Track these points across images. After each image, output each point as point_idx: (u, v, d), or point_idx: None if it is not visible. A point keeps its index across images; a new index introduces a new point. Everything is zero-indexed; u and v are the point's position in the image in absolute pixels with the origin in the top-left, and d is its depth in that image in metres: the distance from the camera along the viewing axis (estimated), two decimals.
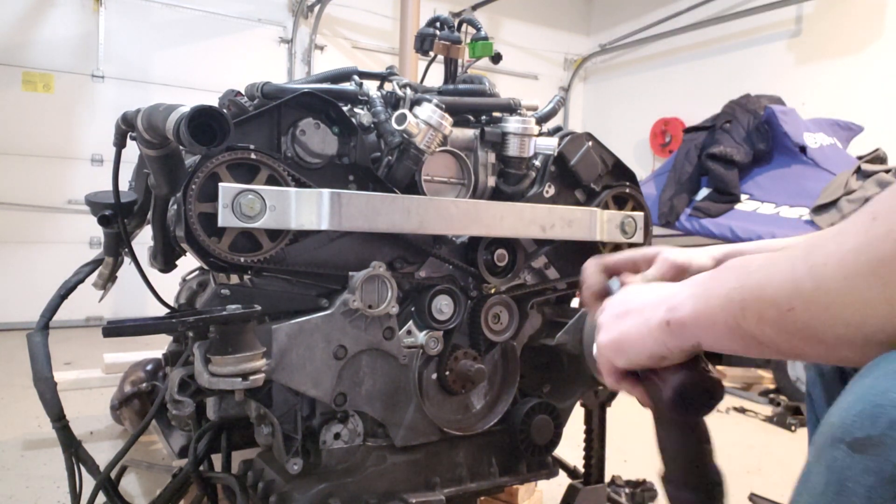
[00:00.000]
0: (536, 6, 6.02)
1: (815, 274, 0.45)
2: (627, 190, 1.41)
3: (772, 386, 3.07)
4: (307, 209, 1.06)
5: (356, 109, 1.22)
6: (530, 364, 1.34)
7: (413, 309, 1.21)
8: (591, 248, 1.36)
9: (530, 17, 5.99)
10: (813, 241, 0.47)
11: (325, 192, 1.07)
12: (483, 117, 1.32)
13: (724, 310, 0.52)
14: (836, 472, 0.38)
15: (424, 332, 1.20)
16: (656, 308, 0.58)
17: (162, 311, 1.23)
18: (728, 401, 2.90)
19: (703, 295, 0.54)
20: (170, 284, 1.61)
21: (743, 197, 3.34)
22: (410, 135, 1.14)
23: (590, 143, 1.35)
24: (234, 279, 1.16)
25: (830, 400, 0.81)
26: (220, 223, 1.01)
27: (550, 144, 1.30)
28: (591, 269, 0.82)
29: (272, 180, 1.06)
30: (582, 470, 1.49)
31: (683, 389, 0.58)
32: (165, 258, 1.32)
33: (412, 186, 1.19)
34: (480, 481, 1.30)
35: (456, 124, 1.22)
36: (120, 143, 1.23)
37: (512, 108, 1.30)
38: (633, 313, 0.61)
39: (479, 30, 1.48)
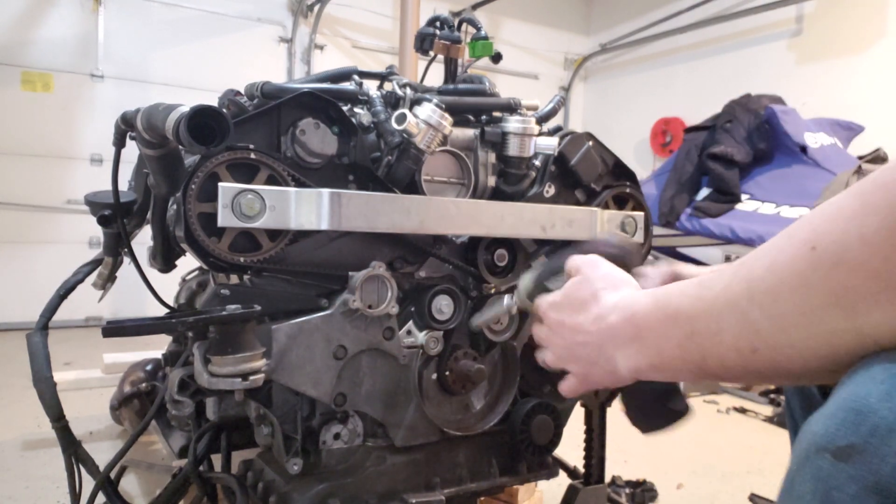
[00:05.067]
0: (536, 6, 6.02)
1: (770, 314, 0.45)
2: (628, 190, 1.41)
3: (772, 386, 3.07)
4: (307, 209, 1.06)
5: (356, 109, 1.22)
6: (530, 364, 1.34)
7: (413, 309, 1.21)
8: None
9: (530, 17, 5.98)
10: (745, 274, 0.47)
11: (325, 191, 1.07)
12: (483, 117, 1.32)
13: (682, 359, 0.53)
14: (821, 481, 0.38)
15: (424, 332, 1.20)
16: (609, 361, 0.61)
17: (161, 311, 1.23)
18: (728, 401, 2.90)
19: (655, 348, 0.55)
20: (169, 284, 1.61)
21: (743, 197, 3.34)
22: (410, 134, 1.13)
23: (590, 143, 1.34)
24: (234, 279, 1.16)
25: (809, 407, 0.82)
26: (220, 223, 1.01)
27: (551, 144, 1.29)
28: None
29: (272, 180, 1.06)
30: (582, 470, 1.49)
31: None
32: (165, 258, 1.32)
33: (412, 186, 1.19)
34: (480, 481, 1.30)
35: (456, 124, 1.22)
36: (119, 143, 1.23)
37: (512, 108, 1.30)
38: (584, 359, 0.64)
39: (479, 29, 1.48)
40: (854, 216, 0.41)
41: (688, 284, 0.54)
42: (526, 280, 0.83)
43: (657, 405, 0.66)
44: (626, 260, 0.71)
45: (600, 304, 0.63)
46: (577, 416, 1.42)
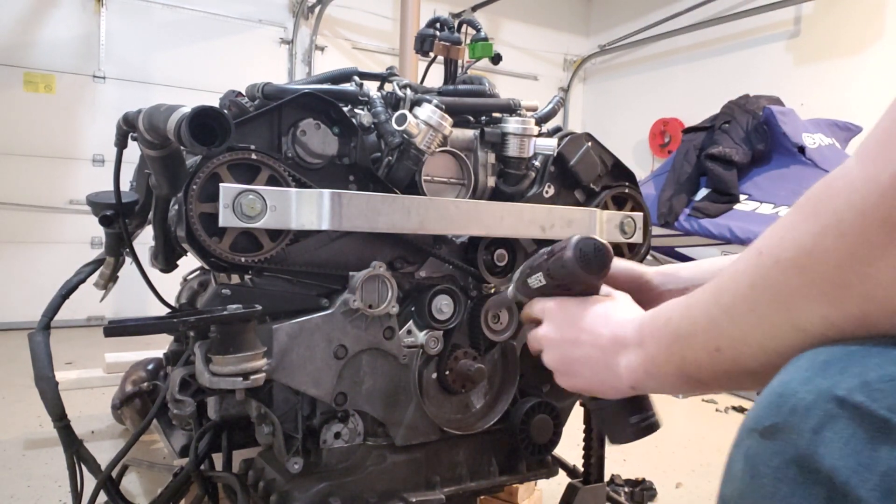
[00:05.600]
0: (536, 7, 6.03)
1: (728, 313, 0.52)
2: (627, 190, 1.42)
3: None
4: (308, 209, 1.07)
5: (356, 110, 1.22)
6: (530, 363, 1.34)
7: (413, 309, 1.22)
8: None
9: (530, 18, 5.99)
10: (717, 283, 0.54)
11: (326, 192, 1.08)
12: (483, 118, 1.32)
13: (668, 363, 0.59)
14: (750, 459, 0.43)
15: (424, 332, 1.20)
16: (613, 368, 0.65)
17: (163, 311, 1.24)
18: (727, 400, 2.91)
19: (651, 354, 0.61)
20: (171, 284, 1.62)
21: (742, 197, 3.35)
22: (410, 135, 1.14)
23: (589, 144, 1.35)
24: (235, 279, 1.17)
25: None
26: (221, 223, 1.01)
27: (550, 145, 1.30)
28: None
29: (273, 180, 1.06)
30: (581, 469, 1.50)
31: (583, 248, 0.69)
32: (166, 258, 1.32)
33: (412, 187, 1.20)
34: (480, 480, 1.30)
35: (456, 125, 1.23)
36: (121, 144, 1.23)
37: (512, 109, 1.31)
38: (585, 362, 0.68)
39: (478, 31, 1.49)
40: (790, 223, 0.47)
41: (684, 296, 0.60)
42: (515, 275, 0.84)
43: (621, 415, 0.69)
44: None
45: (620, 315, 0.68)
46: (577, 415, 1.43)
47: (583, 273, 0.69)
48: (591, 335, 0.68)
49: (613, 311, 0.68)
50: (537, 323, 0.75)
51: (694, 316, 0.56)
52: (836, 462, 0.38)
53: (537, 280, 0.75)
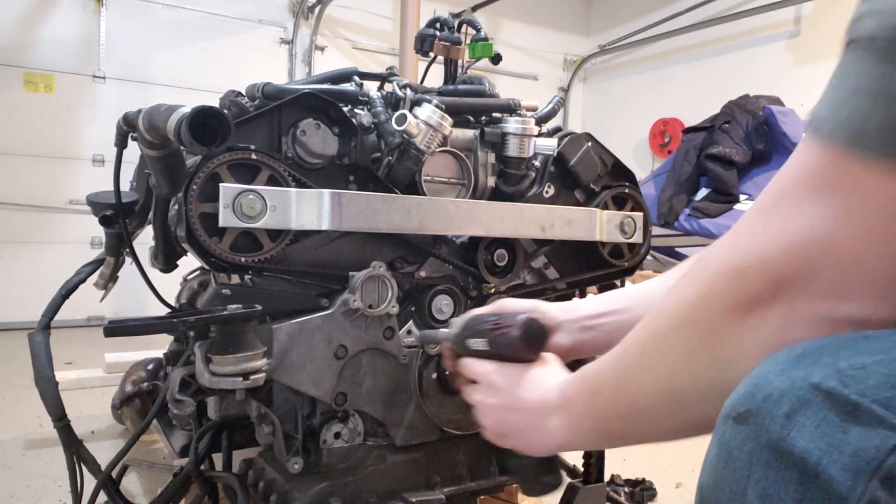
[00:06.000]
0: (536, 7, 6.03)
1: (636, 352, 0.59)
2: (627, 190, 1.42)
3: None
4: (308, 209, 1.07)
5: (356, 110, 1.22)
6: None
7: (413, 309, 1.22)
8: (590, 248, 1.37)
9: (530, 18, 5.99)
10: (625, 339, 0.61)
11: (326, 192, 1.08)
12: (483, 118, 1.32)
13: (585, 418, 0.65)
14: (724, 444, 0.45)
15: None
16: (541, 428, 0.72)
17: (163, 311, 1.24)
18: None
19: (574, 413, 0.67)
20: (171, 284, 1.62)
21: (742, 197, 3.35)
22: (410, 135, 1.14)
23: (589, 144, 1.35)
24: (235, 279, 1.17)
25: None
26: (221, 223, 1.01)
27: (550, 145, 1.30)
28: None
29: (273, 180, 1.06)
30: (581, 469, 1.50)
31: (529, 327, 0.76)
32: (166, 258, 1.32)
33: (412, 187, 1.20)
34: (480, 480, 1.30)
35: (456, 125, 1.23)
36: (121, 144, 1.23)
37: (512, 109, 1.31)
38: (517, 426, 0.75)
39: (478, 31, 1.49)
40: (679, 281, 0.55)
41: (602, 356, 0.66)
42: (455, 327, 0.89)
43: (534, 474, 0.79)
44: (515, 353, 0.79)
45: (547, 381, 0.74)
46: None
47: (524, 350, 0.77)
48: (521, 402, 0.74)
49: (542, 377, 0.75)
50: (470, 381, 0.82)
51: (605, 367, 0.63)
52: (807, 444, 0.39)
53: (478, 344, 0.82)
